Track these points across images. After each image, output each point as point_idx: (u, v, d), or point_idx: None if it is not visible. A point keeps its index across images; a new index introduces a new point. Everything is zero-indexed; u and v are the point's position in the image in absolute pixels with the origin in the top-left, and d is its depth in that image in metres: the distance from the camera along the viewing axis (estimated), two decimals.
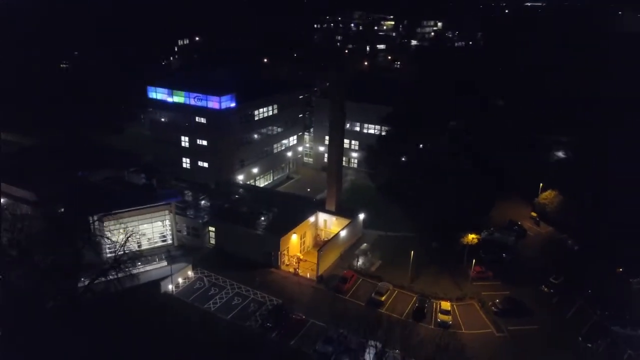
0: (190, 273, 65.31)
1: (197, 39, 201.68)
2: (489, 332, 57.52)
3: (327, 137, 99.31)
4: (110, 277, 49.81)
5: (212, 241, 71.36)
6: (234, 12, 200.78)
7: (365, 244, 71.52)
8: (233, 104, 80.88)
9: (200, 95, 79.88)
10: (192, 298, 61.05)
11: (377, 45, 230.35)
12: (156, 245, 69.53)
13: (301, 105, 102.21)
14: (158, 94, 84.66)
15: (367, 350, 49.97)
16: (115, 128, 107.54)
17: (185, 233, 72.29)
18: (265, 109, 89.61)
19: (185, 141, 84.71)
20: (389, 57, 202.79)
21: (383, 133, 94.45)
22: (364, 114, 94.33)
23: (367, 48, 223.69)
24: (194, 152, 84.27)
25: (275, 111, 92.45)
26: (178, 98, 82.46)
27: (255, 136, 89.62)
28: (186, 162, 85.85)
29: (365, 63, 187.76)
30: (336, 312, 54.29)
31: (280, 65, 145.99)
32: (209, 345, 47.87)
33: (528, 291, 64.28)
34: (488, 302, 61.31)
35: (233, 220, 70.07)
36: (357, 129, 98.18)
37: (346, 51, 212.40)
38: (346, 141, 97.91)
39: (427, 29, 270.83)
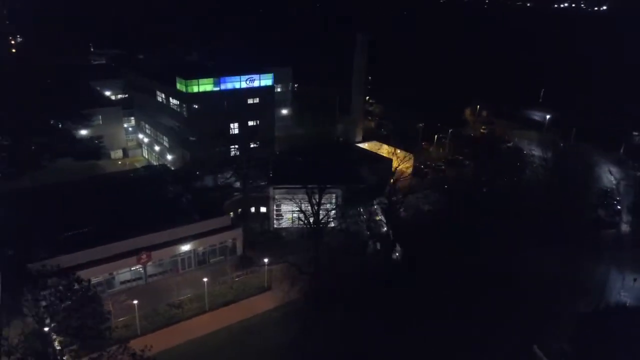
0: None
1: None
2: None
3: None
4: None
5: None
6: None
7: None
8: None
9: (254, 75, 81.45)
10: None
11: None
12: None
13: None
14: (202, 86, 76.68)
15: None
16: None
17: None
18: None
19: (234, 127, 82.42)
20: None
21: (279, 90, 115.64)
22: None
23: None
24: (245, 136, 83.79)
25: None
26: (230, 84, 79.19)
27: None
28: (234, 149, 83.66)
29: None
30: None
31: None
32: None
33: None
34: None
35: None
36: None
37: None
38: None
39: None
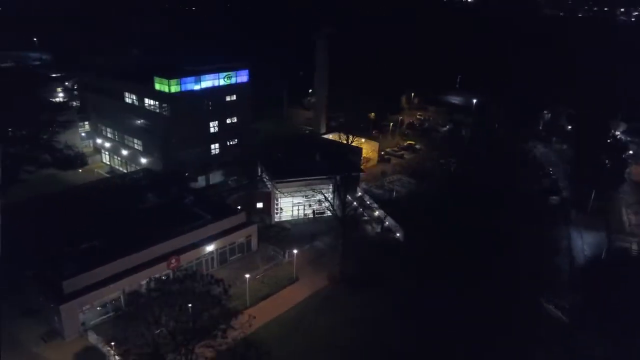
0: None
1: None
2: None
3: None
4: None
5: None
6: None
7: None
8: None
9: (231, 72, 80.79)
10: None
11: None
12: None
13: None
14: (183, 85, 74.55)
15: None
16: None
17: None
18: None
19: (214, 126, 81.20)
20: None
21: None
22: None
23: None
24: (224, 134, 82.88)
25: None
26: (209, 82, 77.87)
27: None
28: (214, 148, 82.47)
29: None
30: None
31: None
32: None
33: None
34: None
35: None
36: None
37: None
38: None
39: None
